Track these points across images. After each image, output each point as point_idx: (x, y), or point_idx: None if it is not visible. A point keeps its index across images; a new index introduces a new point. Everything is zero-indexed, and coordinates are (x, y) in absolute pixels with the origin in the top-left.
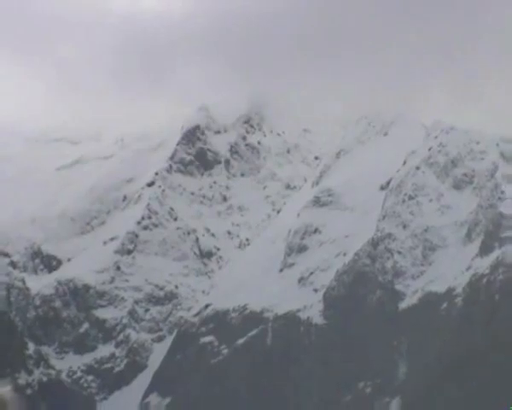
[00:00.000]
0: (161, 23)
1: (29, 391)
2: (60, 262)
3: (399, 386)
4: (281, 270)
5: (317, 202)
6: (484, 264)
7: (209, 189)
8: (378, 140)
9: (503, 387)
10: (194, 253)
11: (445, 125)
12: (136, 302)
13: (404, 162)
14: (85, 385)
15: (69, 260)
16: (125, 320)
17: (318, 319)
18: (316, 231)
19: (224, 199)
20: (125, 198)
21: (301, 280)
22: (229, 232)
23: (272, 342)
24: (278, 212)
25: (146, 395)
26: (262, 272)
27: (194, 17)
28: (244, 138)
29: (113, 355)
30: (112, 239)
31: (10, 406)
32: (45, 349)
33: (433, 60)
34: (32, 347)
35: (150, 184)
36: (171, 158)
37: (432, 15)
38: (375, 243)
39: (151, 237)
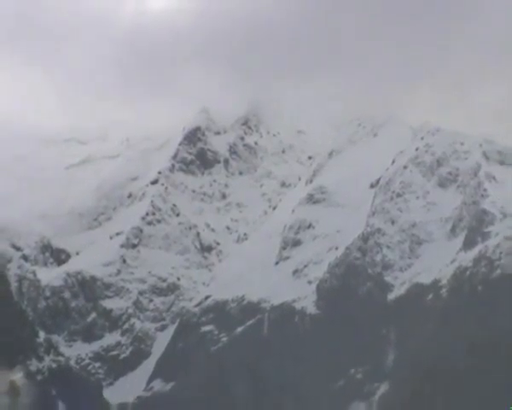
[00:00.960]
0: (165, 32)
1: (40, 377)
2: (68, 256)
3: (388, 372)
4: (276, 263)
5: (311, 199)
6: (467, 257)
7: (209, 187)
8: (368, 141)
9: (487, 372)
10: (195, 247)
11: (431, 127)
12: (141, 293)
13: (393, 162)
14: (93, 371)
15: (77, 253)
16: (130, 310)
17: (312, 309)
18: (309, 226)
19: (224, 196)
20: (130, 195)
21: (296, 272)
22: (228, 228)
23: (268, 331)
24: (274, 208)
25: (150, 381)
26: (259, 265)
27: (195, 26)
28: (242, 139)
29: (118, 343)
30: (118, 234)
31: (22, 391)
32: (55, 338)
33: (420, 65)
34: (42, 335)
35: (154, 182)
36: (174, 157)
37: (418, 21)
38: (365, 238)
39: (155, 232)
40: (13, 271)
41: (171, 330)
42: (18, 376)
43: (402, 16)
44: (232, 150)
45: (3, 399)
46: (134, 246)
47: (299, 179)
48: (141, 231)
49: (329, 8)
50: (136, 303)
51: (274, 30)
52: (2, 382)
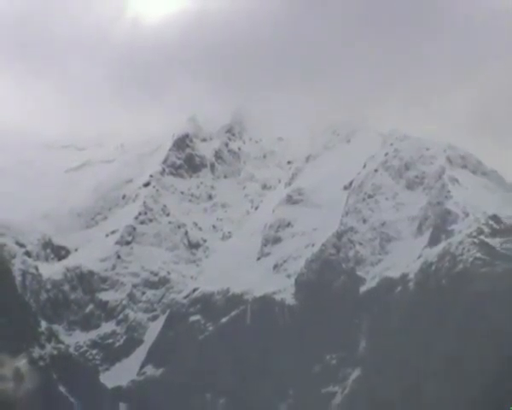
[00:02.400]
0: (157, 47)
1: (42, 363)
2: (68, 252)
3: (360, 358)
4: (258, 258)
5: (290, 200)
6: (433, 253)
7: (196, 189)
8: (342, 147)
9: (457, 357)
10: (184, 244)
11: (399, 134)
12: (134, 286)
13: (364, 166)
14: (90, 358)
15: (76, 249)
16: (124, 302)
17: (291, 301)
18: (288, 225)
19: (210, 197)
20: (124, 197)
21: (276, 267)
22: (214, 226)
23: (251, 321)
24: (256, 208)
25: (142, 367)
26: (242, 261)
27: (185, 42)
28: (227, 145)
29: (114, 332)
30: (113, 232)
31: (26, 376)
32: (56, 327)
33: (389, 77)
34: (44, 325)
35: (146, 185)
36: (164, 162)
37: (388, 37)
38: (339, 236)
39: (147, 230)
40: (17, 266)
41: (161, 320)
42: (22, 362)
43: (374, 33)
44: (218, 155)
45: (9, 384)
46: (128, 243)
47: (279, 182)
48: (134, 229)
49: (308, 26)
50: (130, 295)
51: (256, 47)
52: (8, 368)
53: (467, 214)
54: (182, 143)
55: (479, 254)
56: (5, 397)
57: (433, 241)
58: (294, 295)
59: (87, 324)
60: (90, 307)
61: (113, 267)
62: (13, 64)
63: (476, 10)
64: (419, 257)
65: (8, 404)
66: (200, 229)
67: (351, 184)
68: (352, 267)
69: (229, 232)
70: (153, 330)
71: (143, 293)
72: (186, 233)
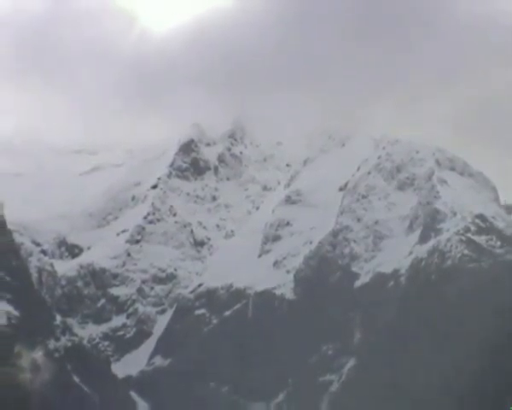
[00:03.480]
0: (163, 58)
1: (57, 355)
2: (81, 250)
3: (355, 349)
4: (259, 255)
5: (288, 200)
6: (423, 250)
7: (201, 190)
8: (337, 151)
9: (442, 346)
10: (190, 242)
11: (390, 138)
12: (143, 282)
13: (358, 168)
14: (102, 349)
15: (89, 248)
16: (134, 297)
17: (290, 295)
18: (287, 224)
19: (214, 198)
20: (133, 198)
21: (276, 264)
22: (217, 225)
23: (253, 314)
24: (257, 209)
25: (151, 357)
26: (244, 258)
27: (188, 54)
28: (229, 149)
29: (124, 325)
30: (123, 231)
31: (43, 367)
32: (70, 320)
33: (381, 85)
34: (59, 318)
35: (154, 187)
36: (171, 166)
37: (379, 46)
38: (335, 234)
39: (155, 229)
40: (33, 263)
41: (169, 313)
42: (38, 354)
43: (366, 47)
44: (221, 159)
45: (26, 374)
46: (137, 241)
47: (279, 184)
48: (143, 228)
49: (304, 36)
50: (140, 290)
51: (255, 58)
52: (25, 360)
53: (454, 214)
54: (187, 147)
55: (466, 251)
56: (23, 387)
57: (423, 238)
58: (293, 289)
59: (99, 317)
60: (102, 301)
61: (124, 264)
62: (28, 76)
63: (459, 20)
64: (410, 254)
65: (26, 394)
66: (205, 228)
67: (346, 185)
68: (347, 263)
69: (231, 231)
70: (161, 323)
71: (152, 288)
72: (191, 232)
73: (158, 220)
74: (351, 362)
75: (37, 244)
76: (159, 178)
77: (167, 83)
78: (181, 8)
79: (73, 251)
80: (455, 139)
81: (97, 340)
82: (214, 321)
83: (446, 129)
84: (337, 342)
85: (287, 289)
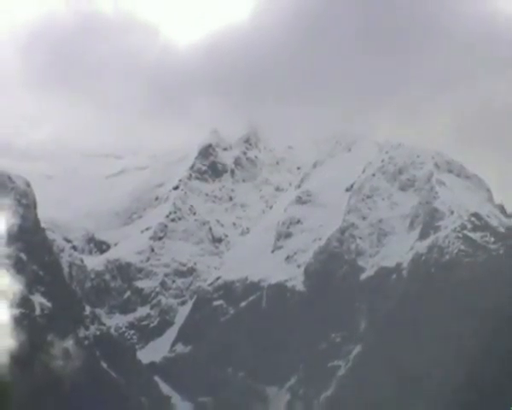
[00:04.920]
0: (184, 69)
1: (86, 342)
2: (108, 246)
3: (360, 337)
4: (272, 251)
5: (299, 200)
6: (423, 246)
7: (219, 191)
8: (343, 154)
9: (438, 334)
10: (208, 238)
11: (393, 143)
12: (166, 275)
13: (363, 171)
14: (128, 337)
15: (116, 244)
16: (157, 289)
17: (300, 287)
18: (298, 222)
19: (230, 199)
20: (156, 198)
21: (288, 258)
22: (234, 223)
23: (266, 305)
24: (270, 208)
25: (173, 345)
26: (258, 253)
27: (207, 65)
28: (245, 153)
29: (148, 315)
30: (147, 229)
31: (73, 354)
32: (98, 311)
33: (384, 94)
34: (88, 309)
35: (175, 188)
36: (191, 168)
37: (381, 59)
38: (342, 231)
39: (176, 227)
40: (65, 259)
41: (189, 304)
42: (69, 343)
43: (371, 60)
44: (237, 162)
45: (58, 362)
46: (160, 238)
47: (290, 185)
48: (165, 226)
49: (312, 50)
50: (162, 283)
51: (269, 69)
52: (57, 348)
53: (452, 212)
54: (206, 151)
55: (462, 247)
56: (55, 374)
57: (423, 235)
58: (303, 282)
59: (125, 308)
60: (128, 293)
61: (148, 259)
62: (60, 86)
63: (457, 31)
64: (411, 249)
65: (58, 379)
66: (222, 226)
67: (352, 186)
68: (354, 258)
69: (247, 228)
70: (182, 314)
71: (173, 281)
72: (210, 229)
73: (179, 219)
74: (357, 349)
75: (68, 241)
76: (180, 180)
77: (188, 92)
78: (201, 22)
79: (101, 247)
80: (452, 144)
81: (123, 329)
82: (231, 311)
83: (445, 135)
84: (344, 330)
85: (298, 282)
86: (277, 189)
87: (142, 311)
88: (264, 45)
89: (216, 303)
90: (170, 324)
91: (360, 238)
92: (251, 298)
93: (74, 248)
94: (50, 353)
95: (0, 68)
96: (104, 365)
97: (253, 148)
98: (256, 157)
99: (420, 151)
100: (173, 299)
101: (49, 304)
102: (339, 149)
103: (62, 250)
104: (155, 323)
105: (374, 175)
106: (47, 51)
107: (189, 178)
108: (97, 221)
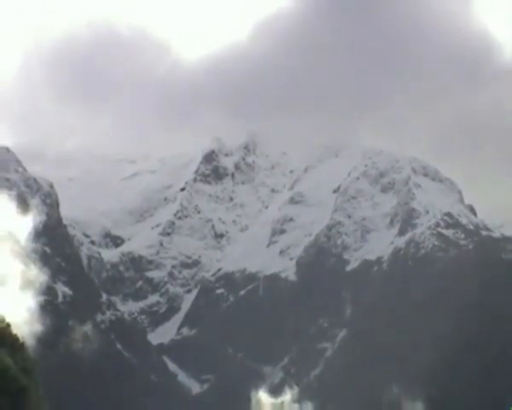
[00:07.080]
0: (191, 83)
1: (103, 326)
2: (123, 241)
3: (346, 322)
4: (268, 245)
5: (292, 200)
6: (401, 241)
7: (221, 192)
8: (332, 160)
9: (419, 317)
10: (211, 234)
11: (375, 150)
12: (173, 267)
13: (349, 174)
14: (140, 322)
15: (129, 239)
16: (166, 279)
17: (293, 278)
18: (291, 220)
19: (231, 199)
20: (165, 199)
21: (281, 252)
22: (234, 221)
23: (263, 293)
24: (266, 207)
25: (180, 328)
26: (256, 247)
27: (211, 79)
28: (244, 159)
29: (158, 302)
30: (157, 225)
31: (91, 337)
32: (113, 298)
33: (367, 107)
34: (104, 297)
35: (182, 190)
36: (196, 172)
37: (366, 72)
38: (330, 228)
39: (183, 224)
40: (84, 252)
41: (194, 292)
42: (88, 327)
43: (355, 76)
44: (237, 167)
45: (78, 344)
46: (168, 234)
47: (284, 187)
48: (173, 223)
49: (305, 66)
50: (170, 274)
51: (266, 84)
52: (77, 332)
53: (427, 212)
54: (209, 157)
55: (436, 242)
56: (76, 354)
57: (402, 232)
58: (296, 273)
59: (137, 295)
60: (140, 283)
61: (157, 252)
62: (78, 98)
63: (435, 50)
64: (391, 244)
65: (79, 360)
66: (224, 223)
67: (338, 188)
68: (340, 252)
69: (245, 225)
70: (187, 301)
71: (180, 272)
72: (213, 226)
73: (185, 217)
74: (342, 333)
75: (87, 236)
76: (186, 182)
77: (193, 103)
78: (206, 40)
79: (116, 242)
80: (428, 151)
81: (136, 314)
82: (231, 299)
83: (421, 143)
84: (331, 316)
85: (290, 273)
86: (273, 190)
87: (153, 298)
88: (261, 63)
89: (218, 292)
90: (177, 310)
91: (346, 234)
92: (249, 287)
93: (92, 242)
94: (71, 336)
95: (28, 84)
96: (119, 346)
97: (252, 154)
98: (254, 162)
99: (399, 157)
100: (180, 288)
101: (70, 292)
102: (327, 155)
103: (82, 244)
104: (164, 309)
105: (358, 178)
106: (70, 68)
107: (195, 180)
108: (113, 219)
